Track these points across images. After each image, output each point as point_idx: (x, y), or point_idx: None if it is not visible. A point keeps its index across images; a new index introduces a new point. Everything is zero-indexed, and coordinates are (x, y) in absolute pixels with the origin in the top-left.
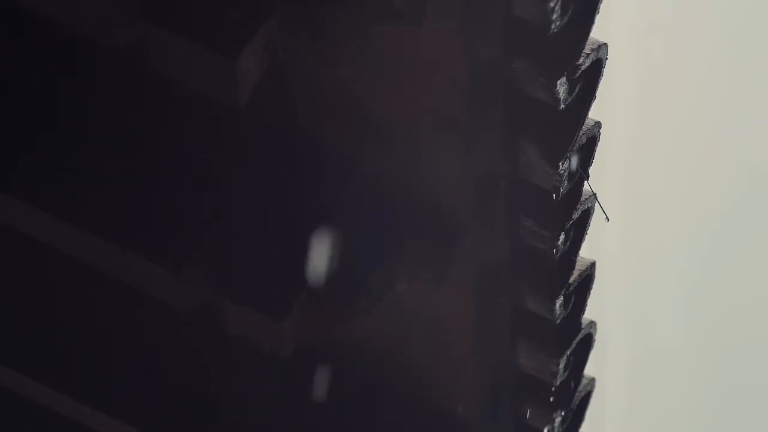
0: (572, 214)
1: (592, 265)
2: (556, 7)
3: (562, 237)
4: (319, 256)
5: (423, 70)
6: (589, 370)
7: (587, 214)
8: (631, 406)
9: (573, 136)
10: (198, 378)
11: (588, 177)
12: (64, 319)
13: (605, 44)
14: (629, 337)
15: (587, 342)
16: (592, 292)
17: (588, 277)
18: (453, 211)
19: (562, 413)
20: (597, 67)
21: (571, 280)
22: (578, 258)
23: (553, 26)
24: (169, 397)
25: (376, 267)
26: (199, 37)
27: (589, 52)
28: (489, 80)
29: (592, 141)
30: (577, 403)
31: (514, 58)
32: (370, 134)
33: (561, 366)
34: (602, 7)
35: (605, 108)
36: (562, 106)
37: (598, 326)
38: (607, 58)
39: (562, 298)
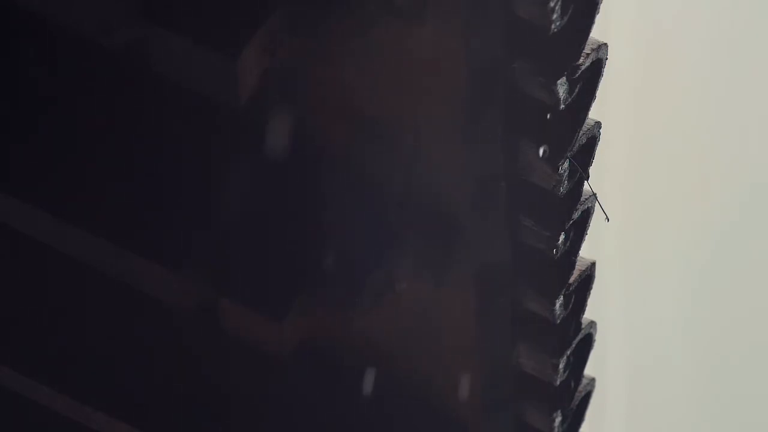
0: (572, 214)
1: (592, 265)
2: (556, 7)
3: (562, 237)
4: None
5: (423, 70)
6: (589, 370)
7: (587, 214)
8: (632, 406)
9: (573, 136)
10: (197, 378)
11: (588, 177)
12: (64, 319)
13: (605, 44)
14: (629, 337)
15: (587, 342)
16: (592, 292)
17: (588, 277)
18: (453, 211)
19: (562, 413)
20: (597, 67)
21: (571, 280)
22: (578, 258)
23: (553, 26)
24: (169, 397)
25: (376, 267)
26: (199, 37)
27: (589, 52)
28: (489, 80)
29: (592, 141)
30: (577, 403)
31: (514, 58)
32: (370, 134)
33: (561, 366)
34: (602, 7)
35: (605, 108)
36: (562, 106)
37: (598, 326)
38: (607, 58)
39: (562, 298)
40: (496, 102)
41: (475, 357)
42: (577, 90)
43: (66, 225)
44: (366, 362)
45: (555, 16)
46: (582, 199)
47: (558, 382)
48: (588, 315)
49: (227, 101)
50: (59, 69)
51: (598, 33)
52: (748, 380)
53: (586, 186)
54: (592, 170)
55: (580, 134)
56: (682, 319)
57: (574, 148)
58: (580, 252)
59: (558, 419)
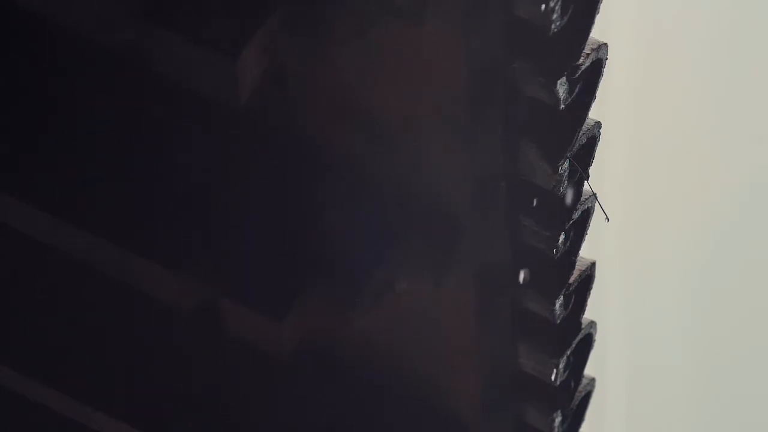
0: (572, 214)
1: (592, 265)
2: (556, 7)
3: (562, 237)
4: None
5: (423, 70)
6: (589, 370)
7: (587, 214)
8: (631, 406)
9: (573, 136)
10: (197, 378)
11: (588, 177)
12: (63, 319)
13: (605, 44)
14: (629, 337)
15: (587, 342)
16: (592, 292)
17: (588, 277)
18: (453, 211)
19: (562, 413)
20: (597, 67)
21: (571, 280)
22: (578, 258)
23: (553, 26)
24: (169, 397)
25: (376, 267)
26: (199, 37)
27: (589, 52)
28: (489, 80)
29: (592, 141)
30: (577, 403)
31: (514, 58)
32: (369, 134)
33: (561, 366)
34: (602, 7)
35: (605, 108)
36: (562, 106)
37: (598, 326)
38: (607, 58)
39: (562, 298)
40: (496, 102)
41: (475, 357)
42: (577, 90)
43: (66, 225)
44: (366, 362)
45: (555, 16)
46: (582, 199)
47: (558, 382)
48: (588, 315)
49: (227, 101)
50: (59, 69)
51: (598, 33)
52: (748, 380)
53: (586, 186)
54: (592, 170)
55: (580, 134)
56: (682, 319)
57: (574, 148)
58: (580, 252)
59: (558, 419)
